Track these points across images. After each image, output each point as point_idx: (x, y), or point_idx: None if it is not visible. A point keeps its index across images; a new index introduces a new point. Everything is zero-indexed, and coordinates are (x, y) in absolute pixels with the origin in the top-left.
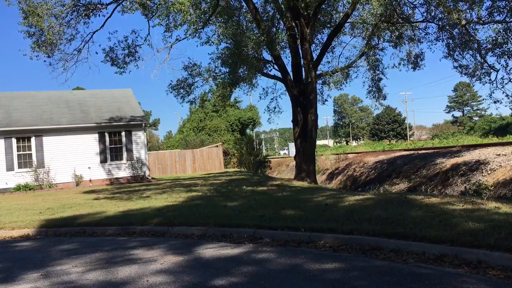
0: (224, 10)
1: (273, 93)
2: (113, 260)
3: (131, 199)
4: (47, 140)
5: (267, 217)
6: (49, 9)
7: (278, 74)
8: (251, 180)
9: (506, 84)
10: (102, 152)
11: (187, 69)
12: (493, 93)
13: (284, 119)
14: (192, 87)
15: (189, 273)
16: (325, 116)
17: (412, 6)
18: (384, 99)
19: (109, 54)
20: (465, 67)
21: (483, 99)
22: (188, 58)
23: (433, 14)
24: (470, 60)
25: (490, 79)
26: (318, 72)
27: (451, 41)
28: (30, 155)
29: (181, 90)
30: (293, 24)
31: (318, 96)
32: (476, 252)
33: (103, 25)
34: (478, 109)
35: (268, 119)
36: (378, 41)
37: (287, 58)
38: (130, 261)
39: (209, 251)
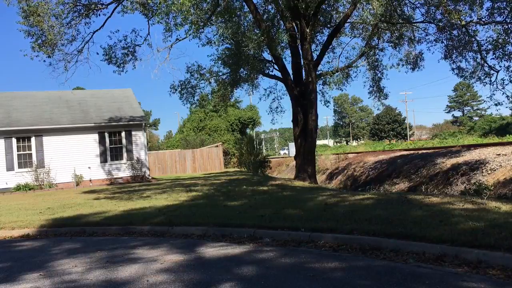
0: (225, 10)
1: (274, 93)
2: (113, 260)
3: (131, 199)
4: (47, 140)
5: (268, 217)
6: (50, 9)
7: (279, 74)
8: (251, 180)
9: (506, 85)
10: (102, 152)
11: (190, 71)
12: (494, 94)
13: (284, 119)
14: (196, 88)
15: (189, 273)
16: (325, 116)
17: (412, 6)
18: (386, 98)
19: (108, 53)
20: (462, 70)
21: (484, 101)
22: (196, 61)
23: (433, 15)
24: (469, 62)
25: (490, 80)
26: (318, 72)
27: (450, 43)
28: (30, 155)
29: (184, 92)
30: (293, 24)
31: (319, 97)
32: (476, 252)
33: (103, 25)
34: (478, 109)
35: (272, 120)
36: (378, 41)
37: (287, 59)
38: (130, 261)
39: (210, 251)
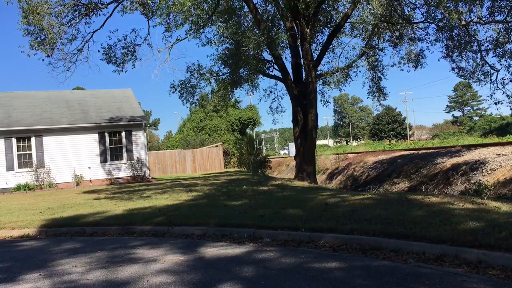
0: (225, 10)
1: (274, 93)
2: (113, 260)
3: (131, 199)
4: (47, 140)
5: (267, 217)
6: (50, 8)
7: (279, 74)
8: (251, 180)
9: (506, 84)
10: (102, 152)
11: (190, 71)
12: (494, 93)
13: (284, 119)
14: (196, 88)
15: (189, 273)
16: (325, 116)
17: (412, 6)
18: (385, 99)
19: (108, 53)
20: (463, 69)
21: (484, 100)
22: (197, 60)
23: (433, 14)
24: (469, 61)
25: (490, 79)
26: (318, 72)
27: (450, 42)
28: (30, 155)
29: (184, 91)
30: (293, 24)
31: (320, 97)
32: (476, 252)
33: (103, 25)
34: (478, 109)
35: (273, 120)
36: (378, 41)
37: (287, 59)
38: (130, 261)
39: (210, 251)
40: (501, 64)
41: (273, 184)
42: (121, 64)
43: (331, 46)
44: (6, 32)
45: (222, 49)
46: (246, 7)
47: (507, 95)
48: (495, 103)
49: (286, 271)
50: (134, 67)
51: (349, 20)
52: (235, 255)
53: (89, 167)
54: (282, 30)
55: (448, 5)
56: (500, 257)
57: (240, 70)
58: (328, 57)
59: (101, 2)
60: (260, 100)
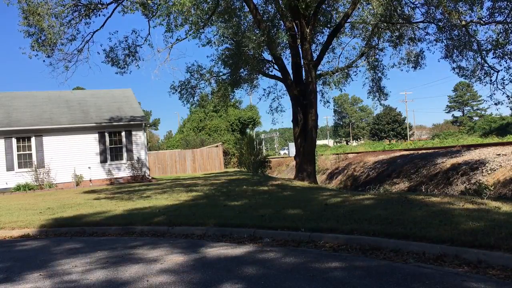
0: (225, 10)
1: (274, 93)
2: (114, 260)
3: (131, 199)
4: (47, 140)
5: (268, 217)
6: (50, 9)
7: (279, 74)
8: (251, 180)
9: (506, 84)
10: (102, 152)
11: (190, 71)
12: (494, 94)
13: (284, 119)
14: (196, 88)
15: (190, 273)
16: (325, 116)
17: (412, 6)
18: (386, 99)
19: (110, 55)
20: (463, 69)
21: (484, 100)
22: (196, 61)
23: (433, 15)
24: (470, 61)
25: (490, 80)
26: (318, 72)
27: (450, 42)
28: (30, 155)
29: (184, 92)
30: (293, 24)
31: (319, 97)
32: (476, 252)
33: (103, 25)
34: (478, 109)
35: (272, 120)
36: (378, 41)
37: (287, 59)
38: (130, 261)
39: (210, 251)
40: (500, 65)
41: (273, 184)
42: (124, 66)
43: (331, 46)
44: (6, 32)
45: (222, 49)
46: (246, 7)
47: (507, 96)
48: (495, 104)
49: (286, 271)
50: (138, 67)
51: (349, 20)
52: (236, 255)
53: (89, 167)
54: (282, 30)
55: (448, 5)
56: (500, 257)
57: (240, 70)
58: (328, 57)
59: (101, 2)
60: (260, 99)
